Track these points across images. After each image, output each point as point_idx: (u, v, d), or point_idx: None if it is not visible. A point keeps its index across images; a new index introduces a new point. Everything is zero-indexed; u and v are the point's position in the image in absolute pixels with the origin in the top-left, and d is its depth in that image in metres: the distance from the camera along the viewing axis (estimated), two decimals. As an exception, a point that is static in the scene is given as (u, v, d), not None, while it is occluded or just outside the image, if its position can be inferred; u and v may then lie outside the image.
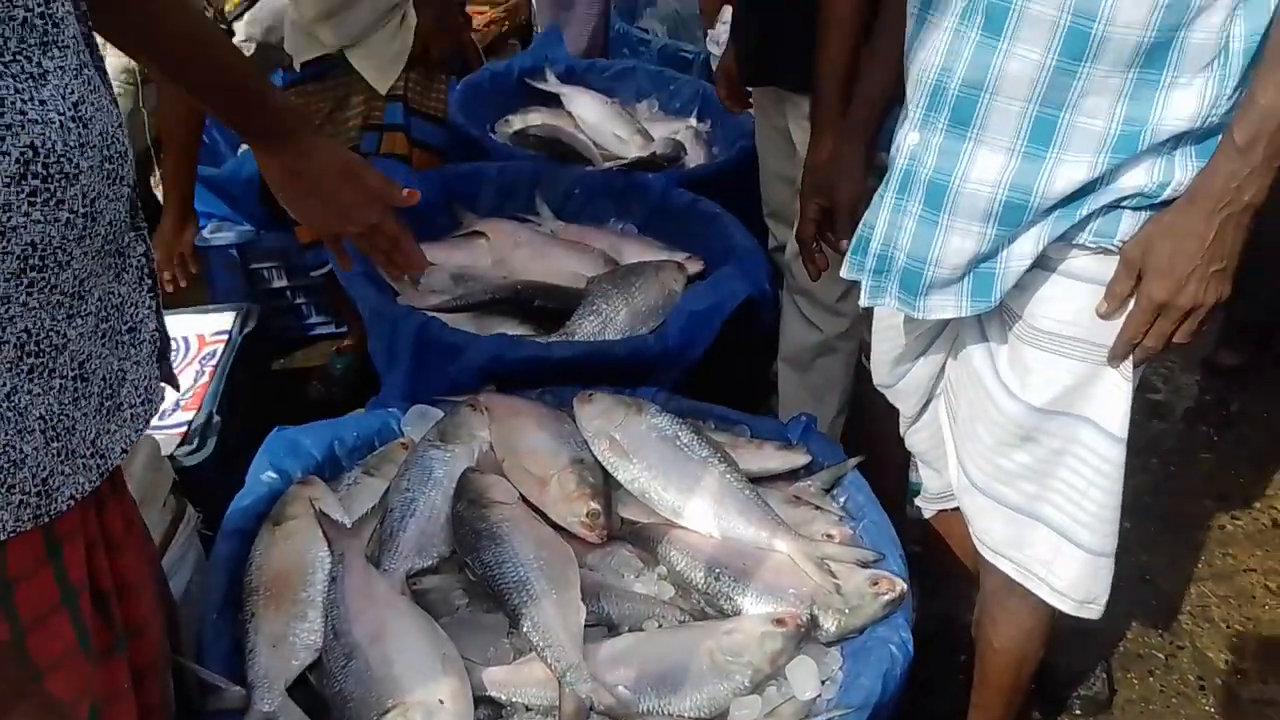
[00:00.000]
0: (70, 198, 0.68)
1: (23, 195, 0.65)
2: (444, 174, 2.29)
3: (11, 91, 0.64)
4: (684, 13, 3.36)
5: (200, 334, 2.20)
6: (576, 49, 3.13)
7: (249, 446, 1.54)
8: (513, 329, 1.93)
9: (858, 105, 1.46)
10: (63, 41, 0.69)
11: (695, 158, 2.78)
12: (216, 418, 1.91)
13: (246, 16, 3.14)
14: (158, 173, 3.08)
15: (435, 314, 1.84)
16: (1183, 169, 1.04)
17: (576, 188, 2.40)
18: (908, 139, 1.16)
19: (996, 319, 1.22)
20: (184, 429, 1.88)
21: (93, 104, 0.72)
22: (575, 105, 2.82)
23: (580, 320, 1.89)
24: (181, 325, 2.19)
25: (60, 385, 0.72)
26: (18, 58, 0.65)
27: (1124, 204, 1.07)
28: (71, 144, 0.68)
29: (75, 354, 0.73)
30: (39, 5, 0.67)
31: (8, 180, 0.64)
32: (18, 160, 0.64)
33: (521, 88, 2.90)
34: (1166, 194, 1.05)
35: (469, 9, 4.38)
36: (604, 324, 1.89)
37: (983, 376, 1.25)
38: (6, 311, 0.66)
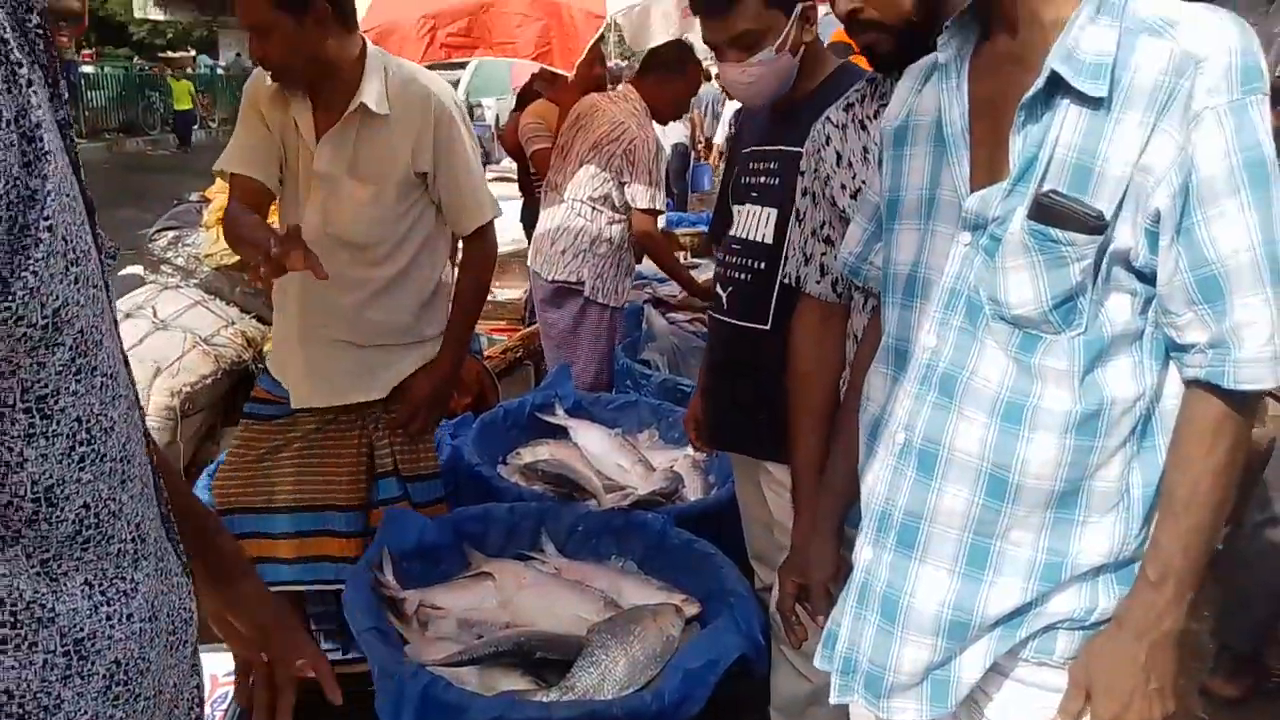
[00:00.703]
0: (144, 688, 0.74)
1: (106, 703, 0.70)
2: (456, 517, 2.45)
3: (104, 620, 0.69)
4: (683, 347, 3.68)
5: (214, 674, 2.26)
6: (583, 383, 3.40)
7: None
8: (515, 681, 2.00)
9: (824, 494, 1.56)
10: (146, 551, 0.74)
11: (692, 486, 2.95)
12: (221, 771, 1.95)
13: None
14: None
15: (441, 669, 1.93)
16: (1106, 596, 1.17)
17: (580, 525, 2.55)
18: (863, 554, 1.30)
19: (969, 703, 1.30)
20: (189, 783, 1.90)
21: (161, 592, 0.76)
22: (581, 438, 3.05)
23: (580, 673, 1.97)
24: (196, 665, 2.26)
25: None
26: (115, 581, 0.70)
27: (1059, 626, 1.18)
28: (145, 644, 0.73)
29: None
30: (132, 530, 0.72)
31: (94, 695, 0.69)
32: (104, 677, 0.69)
33: (533, 421, 3.14)
34: (1094, 618, 1.17)
35: (488, 328, 4.78)
36: (603, 676, 1.97)
37: None
38: None
